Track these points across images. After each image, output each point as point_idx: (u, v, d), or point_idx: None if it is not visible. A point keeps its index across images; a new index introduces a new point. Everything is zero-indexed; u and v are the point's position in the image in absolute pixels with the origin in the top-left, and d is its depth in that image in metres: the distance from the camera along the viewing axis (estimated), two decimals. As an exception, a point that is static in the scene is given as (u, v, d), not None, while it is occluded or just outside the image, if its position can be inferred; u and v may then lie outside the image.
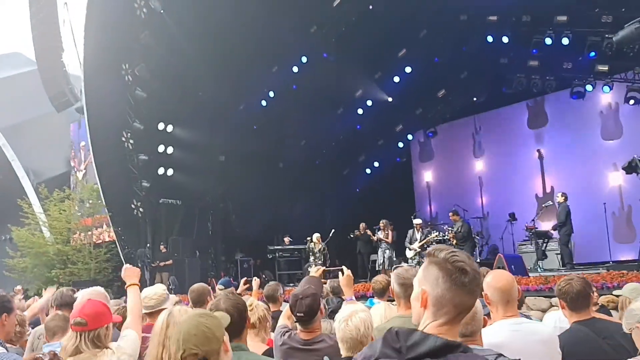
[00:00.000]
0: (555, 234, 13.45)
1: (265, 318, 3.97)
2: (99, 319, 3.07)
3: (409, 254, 13.52)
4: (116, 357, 3.05)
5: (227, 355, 2.29)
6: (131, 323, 3.59)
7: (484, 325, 2.75)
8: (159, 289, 4.42)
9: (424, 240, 13.49)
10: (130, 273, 3.90)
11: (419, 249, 13.39)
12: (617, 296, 4.84)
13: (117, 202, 17.78)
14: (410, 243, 13.54)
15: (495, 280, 3.10)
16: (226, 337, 2.31)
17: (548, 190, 17.41)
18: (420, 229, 13.87)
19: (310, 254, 15.31)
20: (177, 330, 2.27)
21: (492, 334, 2.89)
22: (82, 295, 3.79)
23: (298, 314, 3.49)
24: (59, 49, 20.88)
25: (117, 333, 3.70)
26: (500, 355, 2.51)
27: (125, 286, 3.86)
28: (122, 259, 17.65)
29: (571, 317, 3.54)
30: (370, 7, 16.12)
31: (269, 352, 3.71)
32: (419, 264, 12.89)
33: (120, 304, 4.78)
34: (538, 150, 18.05)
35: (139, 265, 17.15)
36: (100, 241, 20.86)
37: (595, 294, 3.68)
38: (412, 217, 15.60)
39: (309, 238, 15.53)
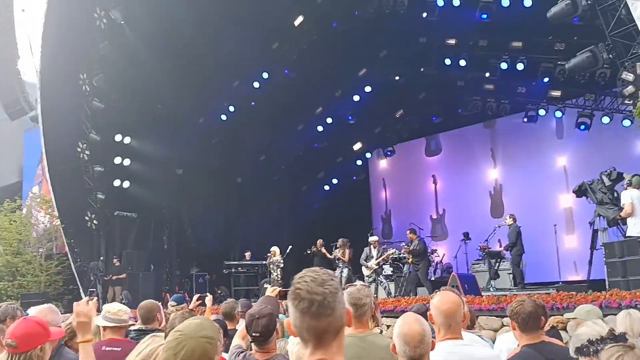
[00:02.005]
0: (507, 254, 13.75)
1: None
2: (31, 341, 2.88)
3: (365, 271, 13.56)
4: None
5: None
6: None
7: (432, 348, 2.80)
8: (123, 308, 4.29)
9: (381, 258, 13.57)
10: (86, 325, 3.14)
11: (375, 267, 13.46)
12: (573, 318, 4.95)
13: (70, 213, 17.38)
14: (366, 261, 13.60)
15: (440, 302, 3.16)
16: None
17: (501, 210, 17.80)
18: (377, 247, 13.95)
19: (272, 269, 15.27)
20: (178, 342, 2.08)
21: (435, 355, 2.95)
22: (34, 312, 3.69)
23: (254, 334, 3.48)
24: (14, 56, 20.44)
25: (68, 352, 3.60)
26: None
27: (78, 341, 3.18)
28: (74, 272, 17.26)
29: (521, 338, 3.63)
30: (334, 25, 16.27)
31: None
32: (375, 281, 13.03)
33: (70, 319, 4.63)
34: (492, 171, 18.49)
35: (91, 278, 16.82)
36: (51, 253, 20.32)
37: (544, 319, 3.76)
38: (368, 234, 15.71)
39: (269, 254, 15.50)
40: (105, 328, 4.07)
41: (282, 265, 15.15)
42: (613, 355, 2.13)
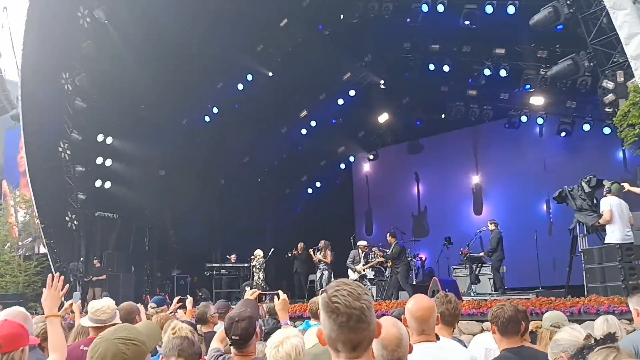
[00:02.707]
0: (488, 259, 13.83)
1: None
2: (14, 342, 2.88)
3: (352, 275, 13.57)
4: None
5: None
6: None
7: (410, 351, 2.82)
8: (110, 302, 4.29)
9: (368, 265, 13.65)
10: (53, 299, 3.36)
11: (363, 271, 13.53)
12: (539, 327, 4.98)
13: (50, 213, 17.21)
14: (354, 264, 13.64)
15: (415, 308, 3.22)
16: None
17: (483, 215, 17.91)
18: (365, 251, 14.02)
19: (255, 271, 15.26)
20: (94, 346, 2.20)
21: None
22: (2, 315, 3.64)
23: (233, 337, 3.45)
24: (-5, 53, 20.18)
25: (39, 353, 3.57)
26: None
27: (45, 316, 3.38)
28: (53, 272, 17.03)
29: (501, 342, 3.66)
30: (320, 27, 16.25)
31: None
32: (361, 282, 13.06)
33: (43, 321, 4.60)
34: (474, 177, 18.62)
35: (71, 279, 16.63)
36: (30, 254, 20.06)
37: (524, 324, 3.79)
38: (350, 238, 15.74)
39: (252, 257, 15.48)
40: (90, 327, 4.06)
41: (264, 266, 15.15)
42: (609, 356, 2.15)
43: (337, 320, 1.74)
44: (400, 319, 3.14)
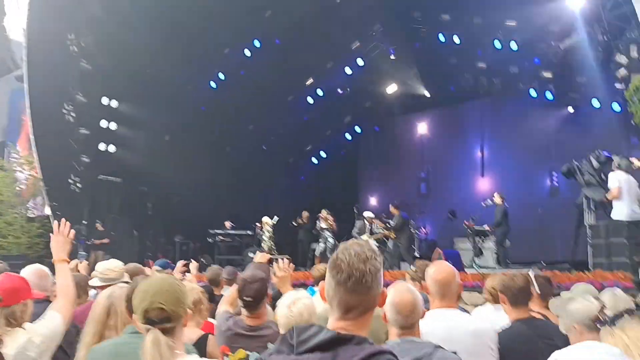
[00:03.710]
0: (491, 231, 13.84)
1: (200, 301, 3.89)
2: (15, 295, 2.88)
3: None
4: (27, 337, 2.83)
5: (183, 330, 2.24)
6: (59, 305, 3.20)
7: (422, 316, 2.81)
8: (118, 262, 4.28)
9: (376, 236, 13.66)
10: (60, 244, 3.40)
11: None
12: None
13: (54, 176, 17.18)
14: (359, 234, 13.67)
15: (436, 272, 3.20)
16: (190, 311, 2.28)
17: (489, 189, 17.86)
18: (371, 222, 14.04)
19: (262, 239, 15.30)
20: (146, 285, 2.19)
21: (425, 322, 2.96)
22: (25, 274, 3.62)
23: (246, 298, 3.45)
24: (0, 13, 19.94)
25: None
26: (439, 347, 2.58)
27: (53, 260, 3.39)
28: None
29: (511, 313, 3.65)
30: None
31: (203, 338, 3.61)
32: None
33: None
34: (481, 151, 18.52)
35: (74, 242, 16.66)
36: (34, 215, 20.09)
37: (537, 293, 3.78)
38: (354, 207, 15.75)
39: (258, 224, 15.50)
40: (99, 287, 4.05)
41: (273, 235, 15.22)
42: None
43: (336, 277, 1.71)
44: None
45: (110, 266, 4.18)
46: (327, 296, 1.75)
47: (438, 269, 3.22)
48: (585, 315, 3.08)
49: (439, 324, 3.02)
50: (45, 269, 3.88)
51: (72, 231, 3.40)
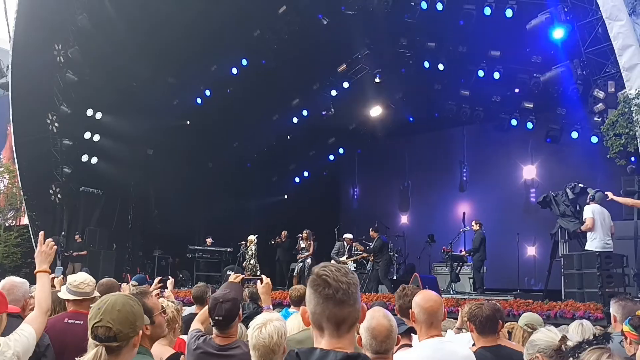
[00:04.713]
0: (469, 258, 13.98)
1: (174, 319, 3.91)
2: None
3: None
4: None
5: (134, 351, 2.28)
6: (33, 317, 3.18)
7: (397, 343, 2.87)
8: (89, 276, 4.26)
9: (352, 258, 13.73)
10: (44, 256, 3.37)
11: (346, 263, 13.62)
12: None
13: (34, 185, 17.10)
14: (337, 256, 13.73)
15: (423, 300, 3.25)
16: (141, 332, 2.31)
17: (467, 215, 18.03)
18: (350, 244, 14.11)
19: (243, 256, 15.27)
20: (101, 300, 2.25)
21: (417, 351, 3.02)
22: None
23: (217, 318, 3.49)
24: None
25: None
26: None
27: (35, 271, 3.36)
28: (34, 245, 16.96)
29: (478, 341, 3.72)
30: (325, 21, 16.02)
31: (175, 357, 3.62)
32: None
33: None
34: (461, 176, 18.73)
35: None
36: (13, 224, 19.90)
37: (501, 323, 3.85)
38: (335, 229, 15.82)
39: (243, 242, 15.49)
40: (68, 300, 4.04)
41: (256, 253, 15.20)
42: (602, 356, 2.18)
43: (324, 293, 1.75)
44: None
45: (84, 279, 4.16)
46: (314, 315, 1.78)
47: (425, 298, 3.27)
48: (547, 345, 3.17)
49: (431, 354, 3.09)
50: (22, 281, 3.89)
51: (55, 245, 3.44)
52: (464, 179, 18.80)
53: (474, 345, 3.80)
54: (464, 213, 16.25)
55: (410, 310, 3.36)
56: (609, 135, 10.00)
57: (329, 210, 20.86)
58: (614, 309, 4.21)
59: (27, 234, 17.80)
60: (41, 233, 3.42)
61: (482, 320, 3.69)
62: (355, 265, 14.37)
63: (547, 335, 3.28)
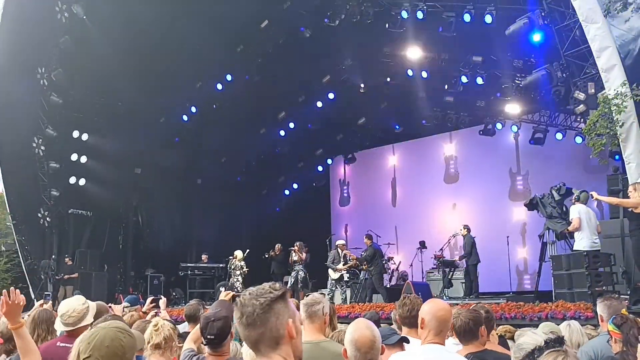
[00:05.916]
0: (461, 263, 14.05)
1: (171, 338, 3.91)
2: None
3: (332, 275, 13.68)
4: None
5: None
6: None
7: (382, 352, 2.91)
8: (77, 303, 4.22)
9: (347, 265, 13.72)
10: (14, 312, 3.22)
11: (344, 271, 13.61)
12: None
13: (22, 210, 17.01)
14: (334, 264, 13.71)
15: (435, 308, 3.27)
16: None
17: (458, 220, 18.12)
18: (344, 250, 14.11)
19: (232, 272, 15.21)
20: (92, 333, 2.26)
21: (418, 352, 3.06)
22: None
23: (209, 337, 3.50)
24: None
25: None
26: None
27: (10, 327, 3.26)
28: (24, 270, 16.87)
29: (464, 348, 3.76)
30: (308, 34, 16.11)
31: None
32: (338, 285, 13.17)
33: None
34: (450, 182, 18.87)
35: (42, 277, 16.46)
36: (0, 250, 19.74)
37: (482, 328, 3.87)
38: (327, 240, 15.85)
39: (231, 257, 15.43)
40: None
41: (245, 269, 15.12)
42: (557, 358, 2.23)
43: (235, 316, 1.87)
44: (373, 322, 3.23)
45: (67, 311, 4.13)
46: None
47: (437, 306, 3.30)
48: (531, 348, 3.23)
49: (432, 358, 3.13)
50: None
51: (22, 297, 3.35)
52: (453, 183, 18.92)
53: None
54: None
55: (412, 318, 3.39)
56: (591, 136, 10.12)
57: (320, 221, 20.89)
58: (600, 308, 4.28)
59: (17, 259, 17.67)
60: (4, 292, 3.26)
61: (457, 329, 3.73)
62: (348, 275, 14.38)
63: (533, 338, 3.35)
